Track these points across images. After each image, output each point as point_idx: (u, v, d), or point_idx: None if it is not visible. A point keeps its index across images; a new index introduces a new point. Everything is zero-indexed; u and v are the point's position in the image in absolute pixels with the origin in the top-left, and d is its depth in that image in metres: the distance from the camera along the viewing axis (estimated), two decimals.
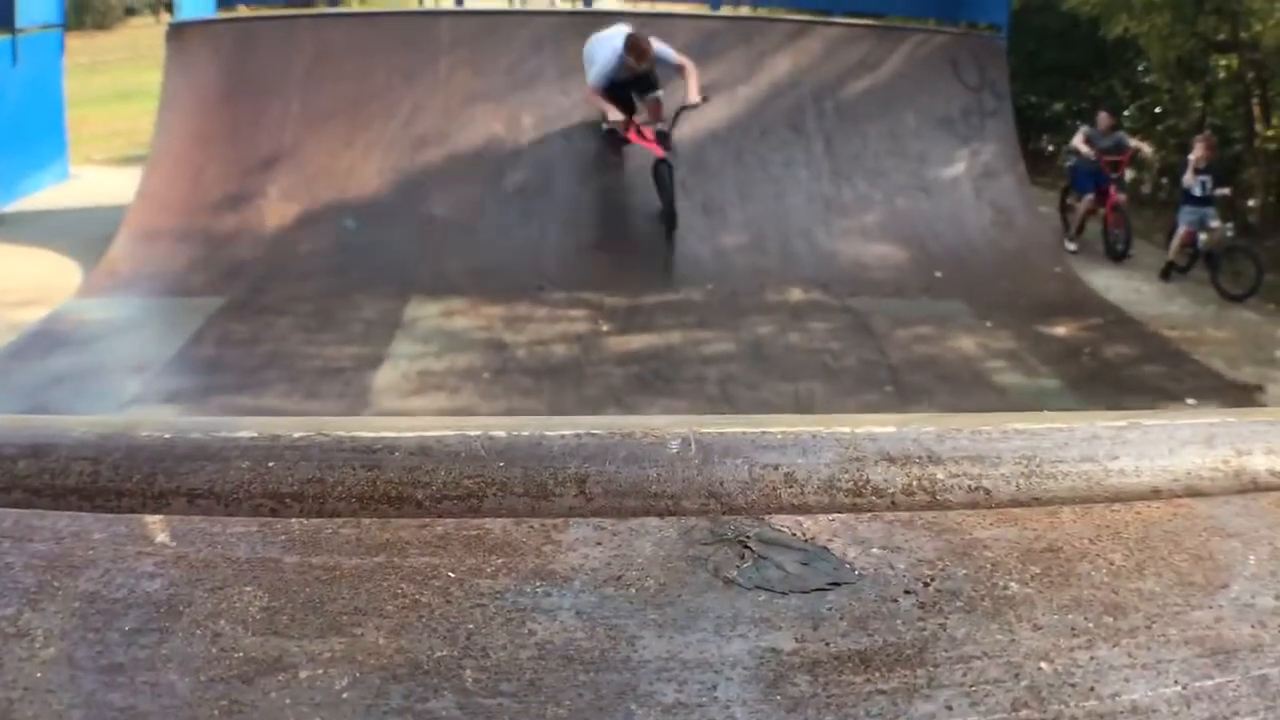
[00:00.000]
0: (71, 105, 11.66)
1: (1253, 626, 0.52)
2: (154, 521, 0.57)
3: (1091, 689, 0.46)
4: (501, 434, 0.63)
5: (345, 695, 0.44)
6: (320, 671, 0.45)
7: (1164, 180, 12.05)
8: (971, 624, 0.51)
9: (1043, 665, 0.48)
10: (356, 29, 9.78)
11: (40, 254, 8.38)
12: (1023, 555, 0.57)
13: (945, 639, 0.49)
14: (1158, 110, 12.56)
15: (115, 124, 13.71)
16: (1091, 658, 0.48)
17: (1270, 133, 10.85)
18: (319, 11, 10.71)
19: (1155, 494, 0.66)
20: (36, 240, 8.67)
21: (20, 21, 10.20)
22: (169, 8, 10.53)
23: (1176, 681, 0.47)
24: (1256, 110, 11.21)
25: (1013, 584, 0.54)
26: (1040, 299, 8.24)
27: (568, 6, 11.10)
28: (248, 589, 0.51)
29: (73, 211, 9.83)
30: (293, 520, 0.58)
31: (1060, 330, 7.69)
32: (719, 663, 0.47)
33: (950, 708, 0.45)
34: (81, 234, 8.73)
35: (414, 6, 12.71)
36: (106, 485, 0.61)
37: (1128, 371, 7.03)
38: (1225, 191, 9.27)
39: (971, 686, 0.46)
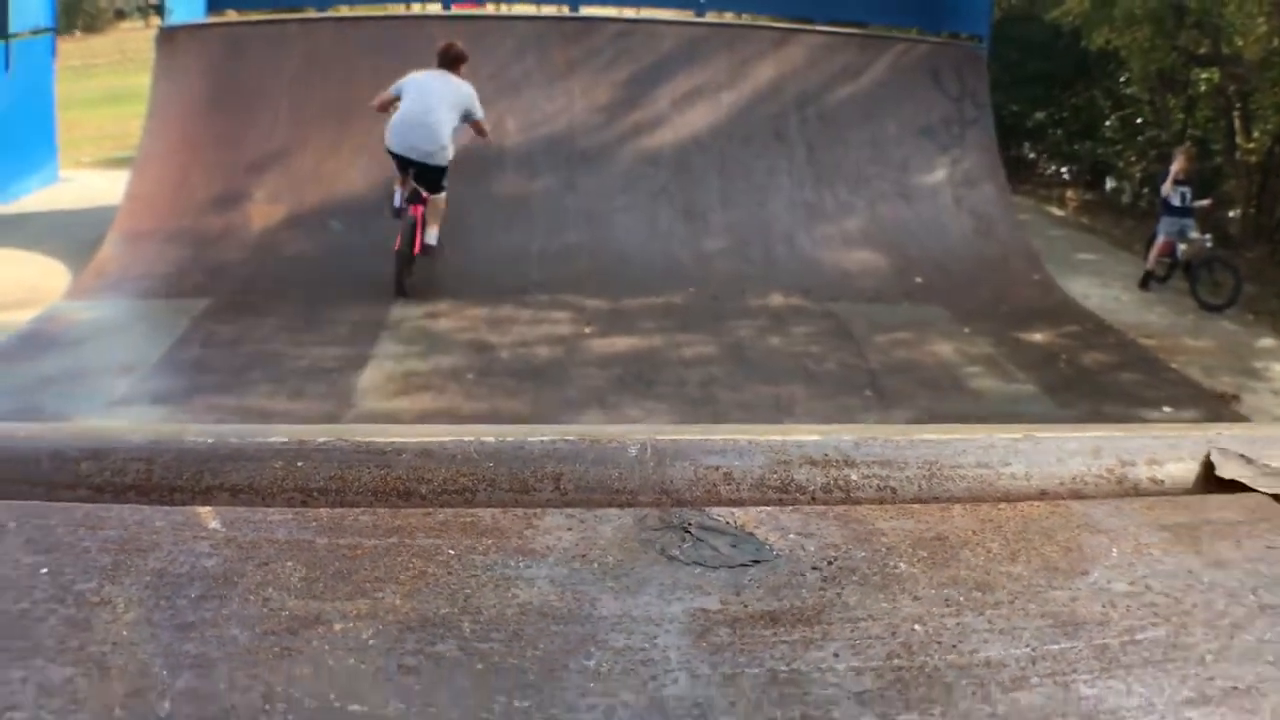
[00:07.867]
0: (62, 108, 11.72)
1: (1103, 606, 0.60)
2: (205, 511, 0.67)
3: (954, 646, 0.56)
4: (491, 440, 0.75)
5: (371, 642, 0.54)
6: (350, 625, 0.55)
7: (1144, 190, 12.19)
8: (863, 594, 0.60)
9: (916, 627, 0.57)
10: (344, 33, 9.85)
11: (29, 256, 8.43)
12: (915, 542, 0.66)
13: (840, 605, 0.59)
14: (1139, 121, 12.71)
15: (105, 127, 13.77)
16: (958, 623, 0.58)
17: (1250, 145, 10.99)
18: (307, 16, 10.80)
19: (1042, 496, 0.75)
20: (26, 243, 8.72)
21: (13, 26, 10.27)
22: (159, 12, 10.57)
23: (1027, 645, 0.56)
24: (1237, 123, 11.34)
25: (902, 564, 0.64)
26: (1019, 306, 8.33)
27: (554, 12, 11.16)
28: (288, 564, 0.61)
29: (62, 214, 9.88)
30: (320, 509, 0.69)
31: (1038, 337, 7.76)
32: (660, 619, 0.57)
33: (837, 655, 0.55)
34: (70, 236, 8.78)
35: (401, 11, 12.77)
36: (160, 482, 0.71)
37: (1104, 378, 7.09)
38: (1205, 203, 9.37)
39: (856, 641, 0.56)
